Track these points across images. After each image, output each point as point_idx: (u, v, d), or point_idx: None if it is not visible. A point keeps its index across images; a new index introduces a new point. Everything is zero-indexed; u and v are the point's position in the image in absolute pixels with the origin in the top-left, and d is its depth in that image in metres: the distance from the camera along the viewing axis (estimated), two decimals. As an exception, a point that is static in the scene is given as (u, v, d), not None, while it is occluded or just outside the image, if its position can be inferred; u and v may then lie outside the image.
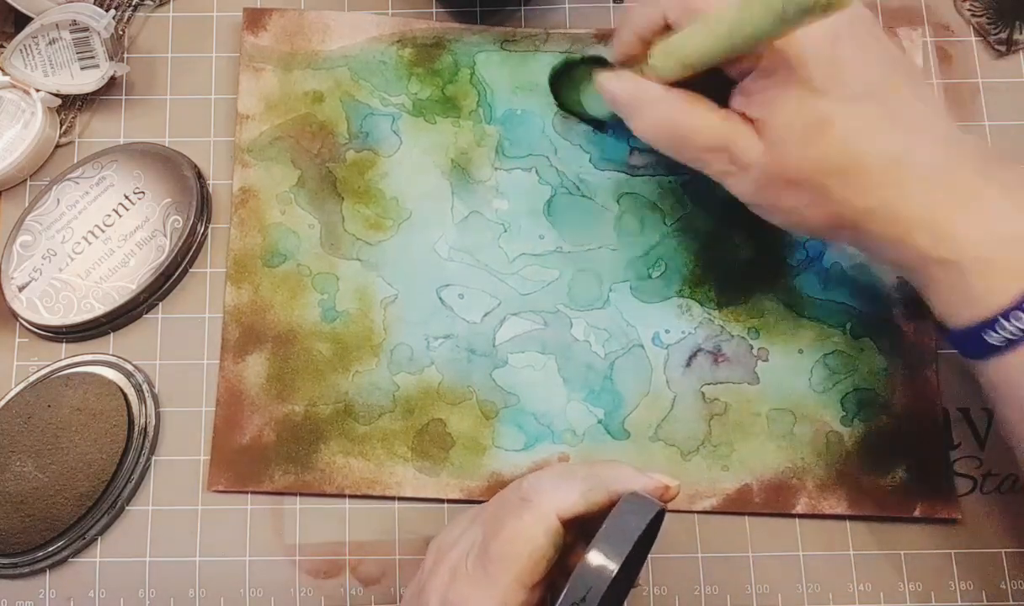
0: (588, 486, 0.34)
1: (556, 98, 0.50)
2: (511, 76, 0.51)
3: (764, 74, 0.37)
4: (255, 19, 0.51)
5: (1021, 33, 0.51)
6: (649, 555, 0.38)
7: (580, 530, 0.35)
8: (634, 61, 0.41)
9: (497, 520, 0.35)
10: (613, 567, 0.31)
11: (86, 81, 0.49)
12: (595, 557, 0.31)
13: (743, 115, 0.38)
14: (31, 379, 0.47)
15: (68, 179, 0.48)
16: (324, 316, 0.48)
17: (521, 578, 0.32)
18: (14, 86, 0.49)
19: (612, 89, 0.41)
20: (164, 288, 0.48)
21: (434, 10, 0.52)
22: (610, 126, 0.50)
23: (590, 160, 0.50)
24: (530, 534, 0.33)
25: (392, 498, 0.46)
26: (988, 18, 0.51)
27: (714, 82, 0.38)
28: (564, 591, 0.31)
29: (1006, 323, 0.34)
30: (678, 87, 0.39)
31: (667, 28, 0.39)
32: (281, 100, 0.50)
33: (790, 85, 0.36)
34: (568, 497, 0.34)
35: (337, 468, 0.46)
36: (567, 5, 0.52)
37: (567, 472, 0.36)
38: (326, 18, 0.52)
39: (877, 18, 0.52)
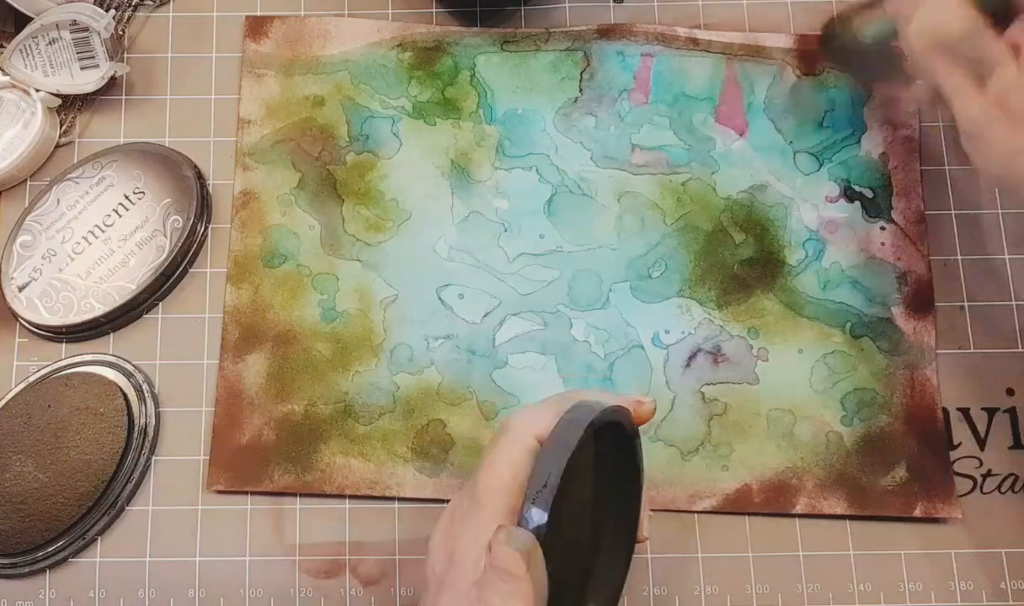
0: (560, 407, 0.34)
1: (828, 51, 0.50)
2: (512, 76, 0.51)
3: None
4: (257, 26, 0.52)
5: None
6: (644, 501, 0.38)
7: None
8: None
9: (482, 456, 0.35)
10: (560, 463, 0.31)
11: (86, 81, 0.49)
12: (542, 460, 0.32)
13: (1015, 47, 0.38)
14: (31, 379, 0.46)
15: (68, 179, 0.48)
16: (324, 316, 0.48)
17: (507, 502, 0.33)
18: (14, 86, 0.49)
19: None
20: (164, 288, 0.48)
21: (434, 11, 0.52)
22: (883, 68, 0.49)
23: (591, 158, 0.50)
24: (510, 457, 0.33)
25: (392, 498, 0.46)
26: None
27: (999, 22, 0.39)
28: (522, 510, 0.31)
29: None
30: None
31: None
32: (282, 105, 0.51)
33: None
34: (542, 420, 0.34)
35: (337, 468, 0.46)
36: (567, 4, 0.52)
37: (541, 401, 0.36)
38: (326, 24, 0.52)
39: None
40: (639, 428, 0.36)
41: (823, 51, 0.51)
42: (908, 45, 0.41)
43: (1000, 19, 0.39)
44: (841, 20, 0.49)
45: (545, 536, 0.31)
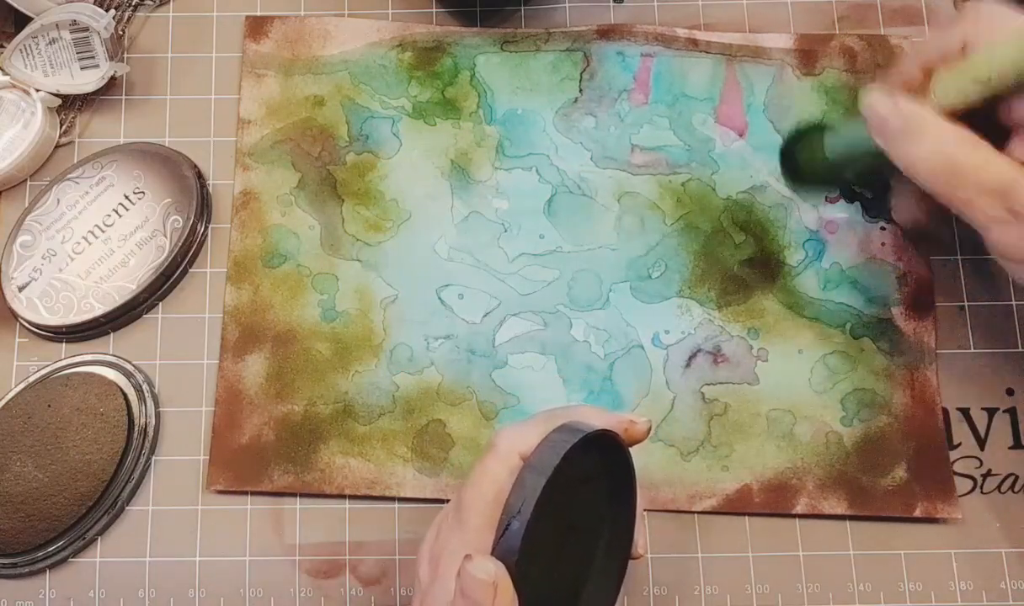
0: (549, 425, 0.34)
1: (788, 171, 0.48)
2: (512, 76, 0.51)
3: None
4: (257, 26, 0.52)
5: (1021, 33, 0.51)
6: (642, 518, 0.37)
7: None
8: (908, 92, 0.40)
9: (470, 470, 0.35)
10: (535, 487, 0.31)
11: (86, 81, 0.49)
12: (517, 484, 0.32)
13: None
14: (31, 379, 0.46)
15: (68, 179, 0.48)
16: (324, 316, 0.48)
17: (489, 519, 0.33)
18: (14, 86, 0.49)
19: (884, 109, 0.39)
20: (164, 288, 0.48)
21: (434, 11, 0.52)
22: (851, 181, 0.48)
23: (591, 158, 0.50)
24: (494, 475, 0.33)
25: (392, 498, 0.46)
26: (988, 18, 0.51)
27: (989, 133, 0.37)
28: (502, 512, 0.32)
29: None
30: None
31: (956, 57, 0.38)
32: (282, 105, 0.51)
33: None
34: (528, 438, 0.34)
35: (337, 468, 0.46)
36: (567, 4, 0.52)
37: (530, 418, 0.36)
38: (326, 24, 0.52)
39: (878, 18, 0.52)
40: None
41: (783, 167, 0.48)
42: (911, 169, 0.38)
43: (992, 131, 0.37)
44: (801, 136, 0.46)
45: (520, 561, 0.31)
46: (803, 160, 0.46)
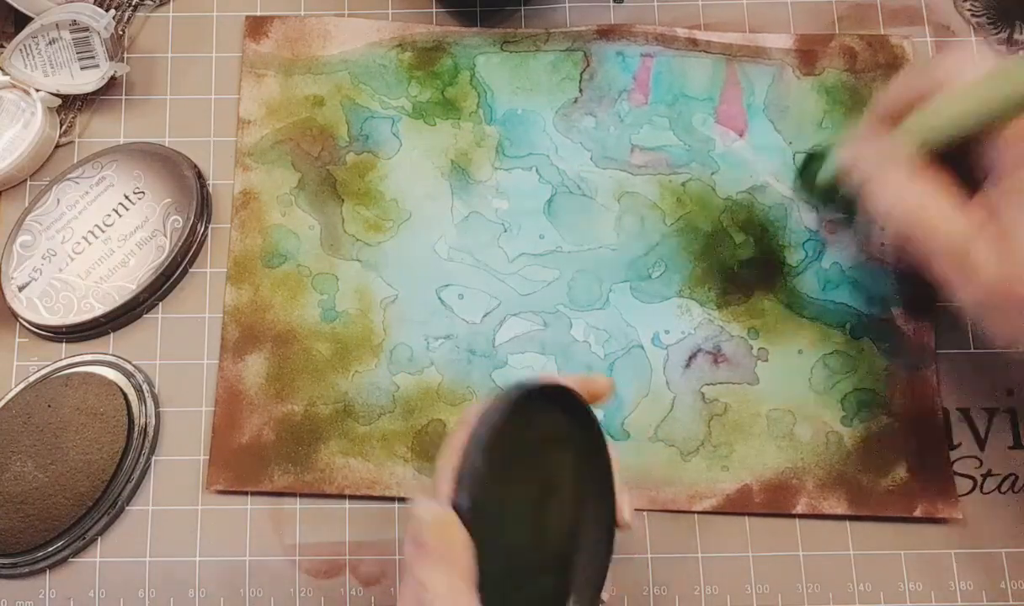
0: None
1: (805, 187, 0.49)
2: (511, 76, 0.51)
3: (1012, 180, 0.35)
4: (257, 26, 0.52)
5: (1021, 33, 0.51)
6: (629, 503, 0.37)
7: None
8: (880, 134, 0.40)
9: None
10: (479, 452, 0.31)
11: (86, 81, 0.49)
12: (466, 447, 0.32)
13: (989, 213, 0.36)
14: (31, 379, 0.46)
15: (68, 179, 0.48)
16: (324, 316, 0.48)
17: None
18: (14, 86, 0.49)
19: (854, 153, 0.40)
20: (164, 288, 0.48)
21: (434, 11, 0.52)
22: (846, 211, 0.48)
23: (591, 158, 0.50)
24: (458, 443, 0.33)
25: (392, 498, 0.46)
26: (988, 18, 0.51)
27: (966, 173, 0.37)
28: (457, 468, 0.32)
29: None
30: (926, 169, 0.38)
31: (918, 105, 0.38)
32: (282, 105, 0.51)
33: None
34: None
35: (337, 468, 0.46)
36: (567, 4, 0.52)
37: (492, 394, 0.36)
38: (326, 24, 0.52)
39: (878, 18, 0.52)
40: (594, 406, 0.36)
41: (801, 184, 0.49)
42: (879, 217, 0.39)
43: (963, 170, 0.37)
44: (812, 158, 0.47)
45: (473, 511, 0.31)
46: (804, 182, 0.48)
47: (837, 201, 0.47)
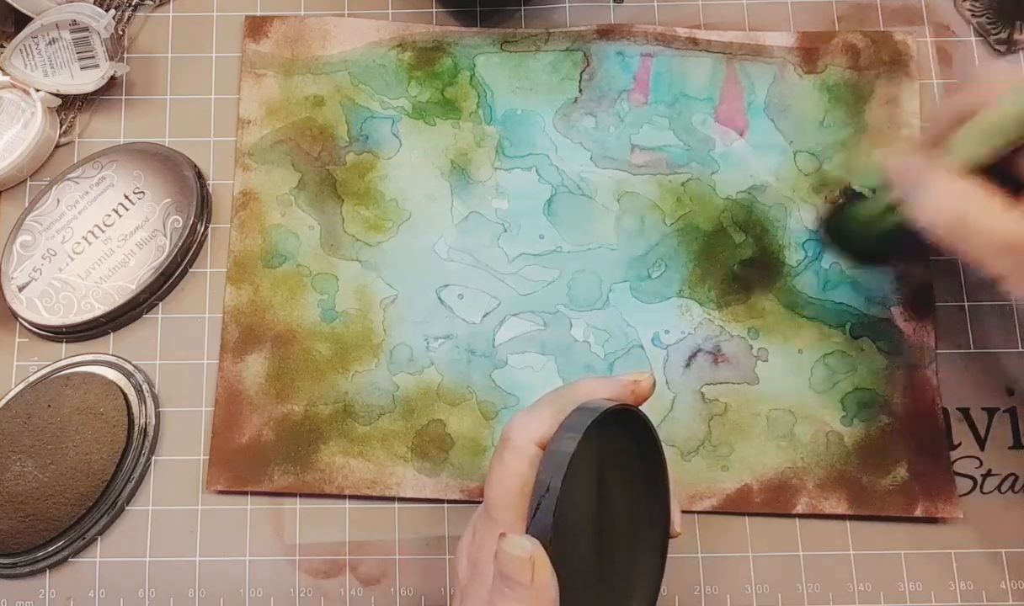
0: (557, 408, 0.34)
1: (836, 240, 0.49)
2: (511, 76, 0.51)
3: None
4: (257, 26, 0.52)
5: (1021, 33, 0.51)
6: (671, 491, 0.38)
7: None
8: (925, 150, 0.41)
9: (489, 469, 0.35)
10: (558, 474, 0.31)
11: (86, 81, 0.49)
12: (540, 472, 0.32)
13: None
14: (31, 379, 0.47)
15: (68, 179, 0.48)
16: (324, 316, 0.48)
17: (518, 513, 0.33)
18: (14, 86, 0.49)
19: (897, 166, 0.40)
20: (164, 288, 0.48)
21: (434, 11, 0.52)
22: (879, 249, 0.48)
23: (591, 158, 0.50)
24: (514, 469, 0.33)
25: (392, 498, 0.46)
26: (988, 18, 0.51)
27: (1007, 187, 0.38)
28: (532, 495, 0.32)
29: None
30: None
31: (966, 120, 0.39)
32: (282, 105, 0.51)
33: None
34: (541, 425, 0.34)
35: (337, 468, 0.46)
36: (567, 4, 0.52)
37: (536, 402, 0.36)
38: (326, 24, 0.52)
39: (879, 18, 0.52)
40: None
41: (827, 236, 0.49)
42: (926, 224, 0.39)
43: (1009, 184, 0.38)
44: (836, 208, 0.48)
45: (555, 539, 0.31)
46: (834, 228, 0.48)
47: (864, 242, 0.47)
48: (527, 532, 0.32)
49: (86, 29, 0.49)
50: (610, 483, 0.35)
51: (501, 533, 0.31)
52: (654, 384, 0.37)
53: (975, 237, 0.37)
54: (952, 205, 0.38)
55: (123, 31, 0.52)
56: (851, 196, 0.49)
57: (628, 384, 0.36)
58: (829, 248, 0.49)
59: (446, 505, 0.46)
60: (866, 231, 0.46)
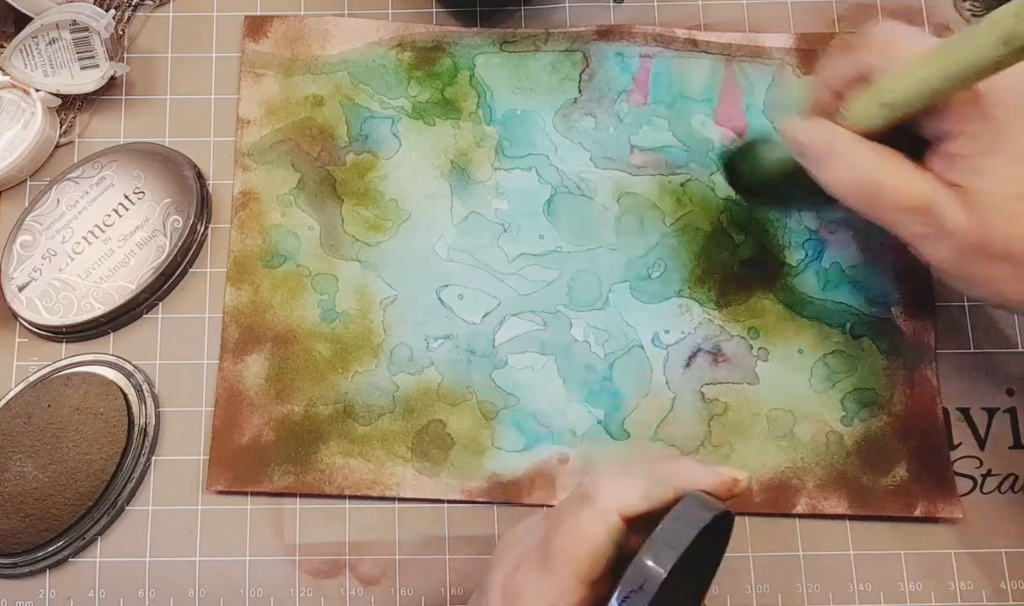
0: (651, 484, 0.33)
1: (730, 180, 0.48)
2: (511, 76, 0.51)
3: (969, 138, 0.35)
4: (256, 26, 0.52)
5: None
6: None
7: (644, 527, 0.35)
8: (824, 114, 0.39)
9: (558, 516, 0.34)
10: (661, 572, 0.30)
11: (86, 81, 0.49)
12: (643, 562, 0.31)
13: (942, 179, 0.36)
14: (31, 379, 0.47)
15: (68, 179, 0.48)
16: (324, 317, 0.48)
17: (579, 574, 0.32)
18: (14, 86, 0.49)
19: (800, 134, 0.39)
20: (164, 288, 0.48)
21: (434, 11, 0.52)
22: (791, 199, 0.48)
23: (591, 158, 0.50)
24: (589, 532, 0.32)
25: (392, 498, 0.46)
26: (987, 18, 0.51)
27: (903, 146, 0.37)
28: (610, 598, 0.30)
29: None
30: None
31: (862, 81, 0.38)
32: (281, 105, 0.51)
33: (999, 151, 0.34)
34: (630, 495, 0.33)
35: (337, 469, 0.46)
36: (567, 4, 0.52)
37: (630, 469, 0.35)
38: (326, 24, 0.52)
39: (878, 18, 0.52)
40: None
41: (730, 183, 0.48)
42: (833, 192, 0.38)
43: (909, 145, 0.37)
44: (738, 152, 0.47)
45: None
46: (744, 169, 0.47)
47: (779, 189, 0.46)
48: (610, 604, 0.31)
49: (86, 29, 0.49)
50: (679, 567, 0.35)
51: None
52: (749, 484, 0.36)
53: (886, 201, 0.37)
54: (861, 171, 0.37)
55: (123, 31, 0.52)
56: (753, 142, 0.47)
57: (728, 481, 0.34)
58: (732, 185, 0.48)
59: (446, 505, 0.46)
60: (769, 174, 0.45)
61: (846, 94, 0.38)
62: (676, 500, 0.33)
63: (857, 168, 0.37)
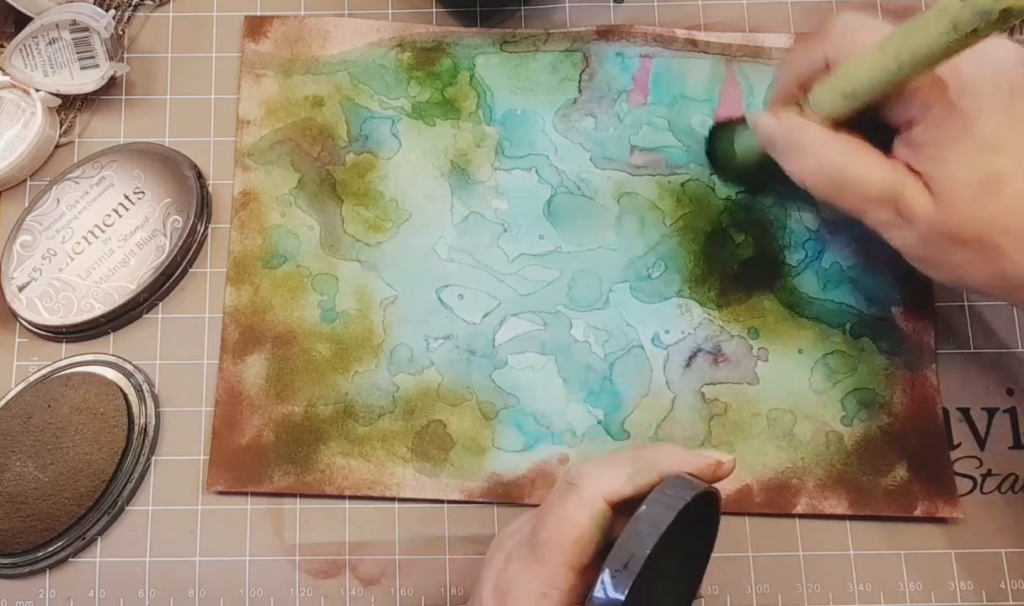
0: (634, 469, 0.34)
1: (711, 160, 0.49)
2: (511, 77, 0.51)
3: (934, 126, 0.35)
4: (256, 27, 0.52)
5: (1021, 33, 0.51)
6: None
7: (630, 511, 0.35)
8: (791, 104, 0.40)
9: (545, 506, 0.34)
10: (644, 550, 0.30)
11: (86, 81, 0.49)
12: (626, 541, 0.31)
13: (908, 166, 0.36)
14: (31, 379, 0.47)
15: (68, 179, 0.48)
16: (324, 317, 0.48)
17: (568, 561, 0.32)
18: (14, 86, 0.49)
19: (768, 126, 0.40)
20: (164, 288, 0.48)
21: (434, 11, 0.52)
22: (762, 184, 0.49)
23: (591, 158, 0.50)
24: (575, 519, 0.33)
25: (392, 498, 0.46)
26: (987, 18, 0.51)
27: (872, 133, 0.38)
28: (596, 579, 0.31)
29: None
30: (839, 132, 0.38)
31: (825, 72, 0.38)
32: (282, 105, 0.51)
33: (963, 139, 0.35)
34: (614, 481, 0.33)
35: (337, 469, 0.46)
36: (567, 4, 0.52)
37: (614, 456, 0.35)
38: (326, 24, 0.52)
39: (878, 18, 0.52)
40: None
41: (710, 161, 0.49)
42: (802, 183, 0.39)
43: (874, 138, 0.38)
44: (718, 131, 0.48)
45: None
46: (720, 151, 0.48)
47: (753, 174, 0.47)
48: (588, 600, 0.31)
49: (86, 29, 0.49)
50: (663, 555, 0.35)
51: None
52: (733, 467, 0.36)
53: (853, 191, 0.37)
54: (828, 162, 0.38)
55: (123, 31, 0.52)
56: (734, 123, 0.48)
57: (712, 463, 0.35)
58: (712, 165, 0.49)
59: (446, 505, 0.46)
60: (742, 159, 0.46)
61: (810, 86, 0.39)
62: (660, 483, 0.33)
63: (823, 159, 0.38)
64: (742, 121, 0.47)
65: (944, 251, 0.37)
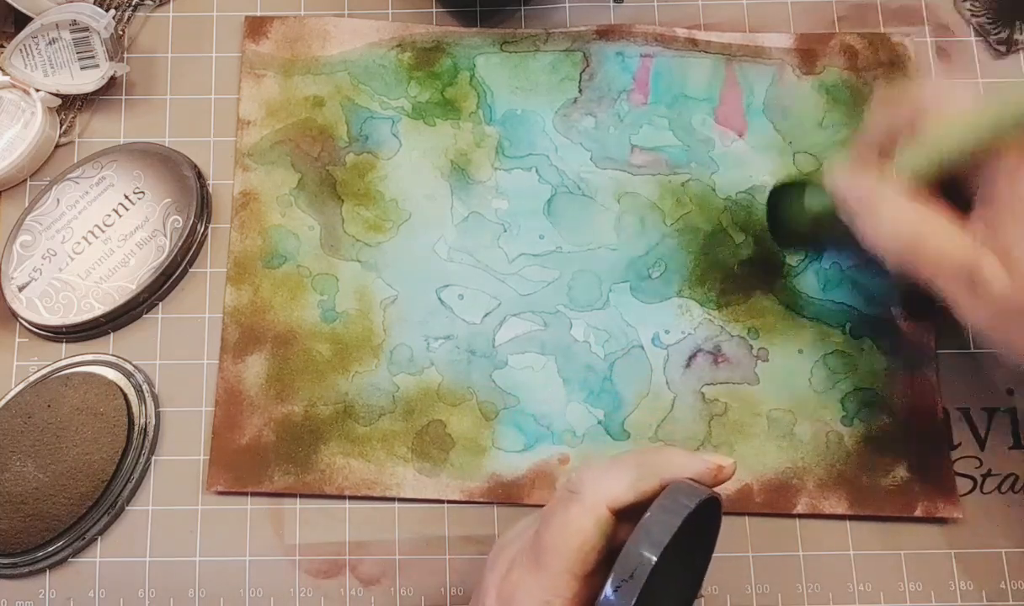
0: (637, 475, 0.33)
1: (772, 221, 0.48)
2: (511, 77, 0.51)
3: (1010, 202, 0.35)
4: (256, 27, 0.52)
5: (1021, 33, 0.51)
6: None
7: (633, 517, 0.35)
8: (869, 166, 0.39)
9: (548, 512, 0.34)
10: (650, 559, 0.30)
11: (86, 81, 0.49)
12: (632, 551, 0.31)
13: (985, 241, 0.35)
14: (31, 379, 0.47)
15: (68, 179, 0.48)
16: (324, 317, 0.48)
17: (572, 569, 0.32)
18: (14, 86, 0.49)
19: (845, 186, 0.39)
20: (164, 288, 0.48)
21: (434, 11, 0.52)
22: (827, 246, 0.48)
23: (591, 158, 0.50)
24: (578, 525, 0.32)
25: (392, 498, 0.46)
26: (988, 18, 0.51)
27: (951, 198, 0.37)
28: (603, 589, 0.31)
29: None
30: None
31: (908, 135, 0.38)
32: (282, 105, 0.51)
33: None
34: (617, 487, 0.33)
35: (337, 469, 0.46)
36: (567, 4, 0.52)
37: (616, 461, 0.35)
38: (326, 24, 0.52)
39: (878, 18, 0.52)
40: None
41: (771, 231, 0.48)
42: (876, 247, 0.38)
43: (956, 198, 0.37)
44: (782, 191, 0.47)
45: None
46: (788, 210, 0.46)
47: (818, 235, 0.46)
48: (600, 600, 0.31)
49: (86, 29, 0.49)
50: (675, 560, 0.34)
51: None
52: (734, 470, 0.35)
53: (928, 261, 0.37)
54: (903, 229, 0.37)
55: (123, 31, 0.52)
56: (803, 182, 0.47)
57: (713, 468, 0.34)
58: (772, 225, 0.48)
59: (446, 505, 0.46)
60: (810, 220, 0.45)
61: (891, 148, 0.38)
62: (663, 489, 0.33)
63: (899, 227, 0.37)
64: (804, 182, 0.45)
65: (1019, 329, 0.36)
